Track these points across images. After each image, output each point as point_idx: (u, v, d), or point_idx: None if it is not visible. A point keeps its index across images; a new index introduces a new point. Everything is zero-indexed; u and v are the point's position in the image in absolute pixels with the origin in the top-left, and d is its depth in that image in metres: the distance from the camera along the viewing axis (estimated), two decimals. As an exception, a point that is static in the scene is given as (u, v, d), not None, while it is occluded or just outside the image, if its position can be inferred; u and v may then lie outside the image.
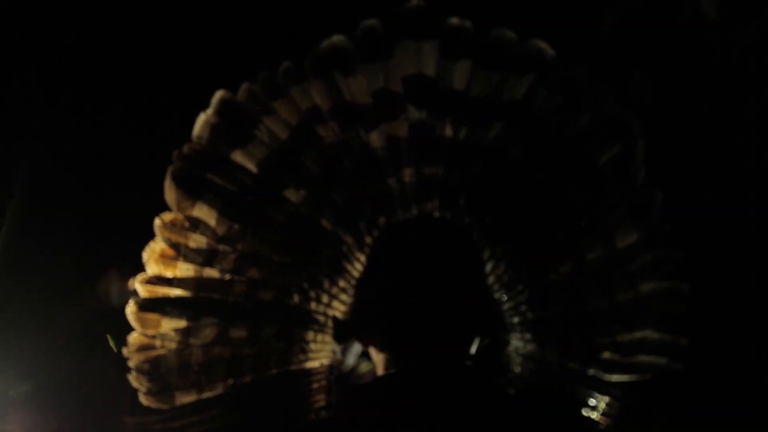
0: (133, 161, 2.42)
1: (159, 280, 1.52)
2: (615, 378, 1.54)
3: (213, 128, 1.47)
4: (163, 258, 1.52)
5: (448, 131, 1.47)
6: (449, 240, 1.48)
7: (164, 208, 1.52)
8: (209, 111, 1.48)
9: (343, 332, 1.57)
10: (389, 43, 1.41)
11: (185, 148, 1.48)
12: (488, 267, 1.55)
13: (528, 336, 1.57)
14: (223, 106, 1.47)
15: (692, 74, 1.85)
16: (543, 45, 1.41)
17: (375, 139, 1.48)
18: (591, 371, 1.54)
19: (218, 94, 1.47)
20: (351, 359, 1.62)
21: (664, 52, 1.79)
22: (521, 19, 1.46)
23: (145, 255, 1.52)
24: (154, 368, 1.54)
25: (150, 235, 1.53)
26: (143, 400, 1.54)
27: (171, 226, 1.51)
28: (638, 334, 1.53)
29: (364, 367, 1.61)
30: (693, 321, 1.50)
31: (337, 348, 1.61)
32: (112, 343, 2.07)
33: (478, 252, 1.52)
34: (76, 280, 2.42)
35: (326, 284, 1.58)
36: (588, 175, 1.48)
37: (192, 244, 1.52)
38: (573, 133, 1.46)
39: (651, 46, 1.76)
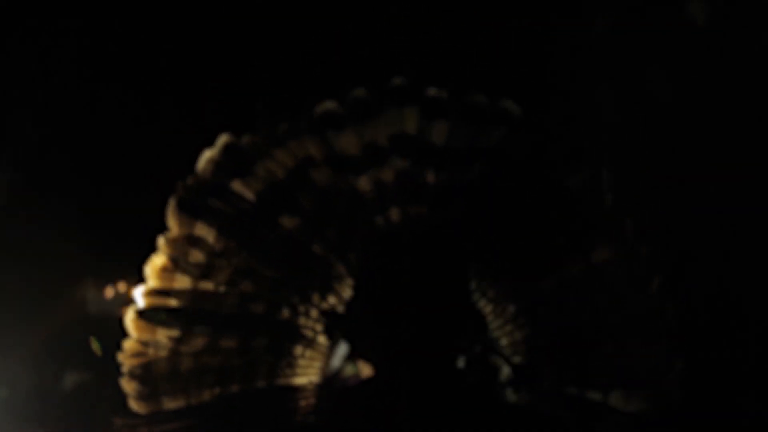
0: (109, 169, 2.45)
1: (158, 292, 1.60)
2: (614, 401, 1.60)
3: (215, 164, 1.61)
4: (163, 271, 1.60)
5: (431, 176, 1.62)
6: (436, 255, 1.60)
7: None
8: (213, 150, 1.61)
9: (334, 327, 1.65)
10: (375, 108, 1.59)
11: (189, 180, 1.61)
12: (473, 284, 1.65)
13: (518, 360, 1.65)
14: (227, 148, 1.61)
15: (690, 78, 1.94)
16: (509, 104, 1.59)
17: (363, 183, 1.62)
18: (587, 394, 1.61)
19: (223, 138, 1.61)
20: (336, 361, 1.68)
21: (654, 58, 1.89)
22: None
23: (147, 268, 1.60)
24: (145, 373, 1.59)
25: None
26: (132, 404, 1.60)
27: (173, 242, 1.60)
28: (632, 355, 1.60)
29: (349, 370, 1.67)
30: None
31: (327, 365, 1.67)
32: (96, 347, 2.10)
33: (462, 268, 1.63)
34: (52, 287, 2.44)
35: (316, 299, 1.66)
36: (560, 198, 1.62)
37: (190, 259, 1.61)
38: (544, 165, 1.61)
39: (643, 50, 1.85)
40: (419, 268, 1.57)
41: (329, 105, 1.58)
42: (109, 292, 2.35)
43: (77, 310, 2.45)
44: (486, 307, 1.65)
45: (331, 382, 1.66)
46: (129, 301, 2.14)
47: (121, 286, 2.36)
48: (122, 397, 1.61)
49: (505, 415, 1.56)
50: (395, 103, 1.56)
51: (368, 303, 1.59)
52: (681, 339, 1.58)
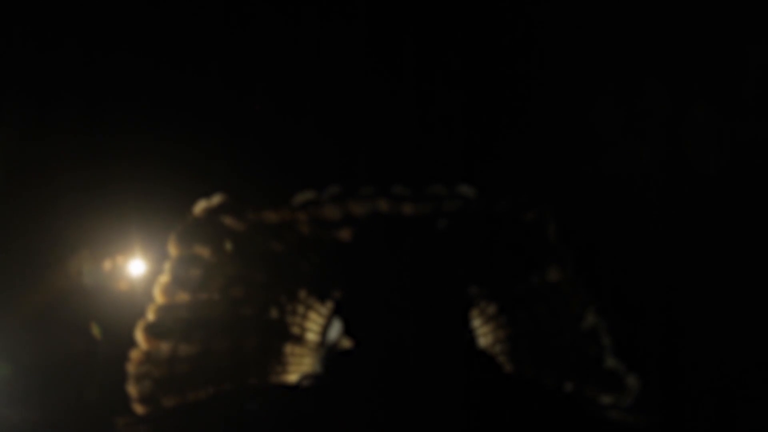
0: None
1: (164, 308, 1.75)
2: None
3: (211, 211, 1.77)
4: (167, 288, 1.75)
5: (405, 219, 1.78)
6: (420, 247, 1.77)
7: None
8: (210, 202, 1.77)
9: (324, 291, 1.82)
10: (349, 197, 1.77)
11: (187, 219, 1.76)
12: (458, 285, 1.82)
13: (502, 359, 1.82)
14: (221, 204, 1.77)
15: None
16: (465, 189, 1.77)
17: (344, 234, 1.78)
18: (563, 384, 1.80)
19: (219, 197, 1.78)
20: (333, 334, 1.83)
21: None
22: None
23: (155, 288, 1.75)
24: (147, 378, 1.74)
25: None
26: (135, 407, 1.74)
27: (175, 263, 1.75)
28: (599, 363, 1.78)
29: (344, 343, 1.80)
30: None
31: (316, 363, 1.82)
32: (96, 331, 2.22)
33: (446, 258, 1.79)
34: (47, 259, 2.52)
35: (302, 295, 1.81)
36: (517, 231, 1.80)
37: (189, 275, 1.76)
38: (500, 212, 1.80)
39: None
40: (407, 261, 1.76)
41: (309, 195, 1.75)
42: (107, 265, 2.44)
43: (72, 282, 2.52)
44: (472, 305, 1.82)
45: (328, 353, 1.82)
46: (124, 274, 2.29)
47: (119, 260, 2.44)
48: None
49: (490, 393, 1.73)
50: (366, 197, 1.75)
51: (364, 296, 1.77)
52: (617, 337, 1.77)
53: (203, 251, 1.75)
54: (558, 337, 1.79)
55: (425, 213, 1.74)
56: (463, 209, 1.74)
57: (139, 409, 1.74)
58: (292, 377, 1.81)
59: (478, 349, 1.81)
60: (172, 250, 1.74)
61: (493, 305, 1.82)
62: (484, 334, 1.82)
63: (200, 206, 1.76)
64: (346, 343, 1.79)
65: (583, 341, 1.78)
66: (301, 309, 1.81)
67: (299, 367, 1.82)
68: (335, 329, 1.82)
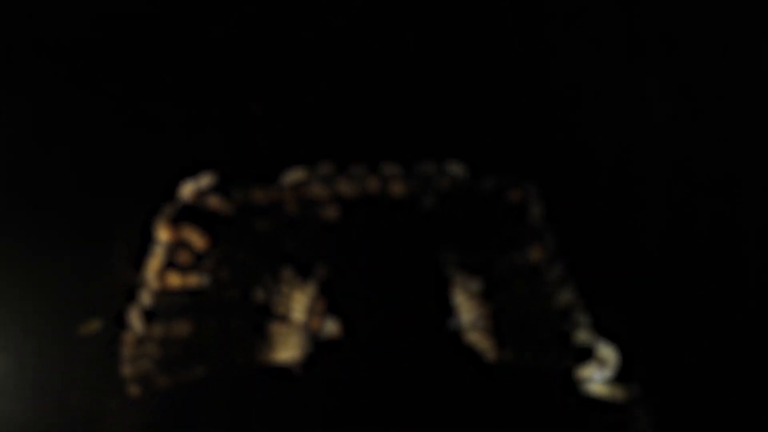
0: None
1: (157, 292, 1.82)
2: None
3: (198, 193, 1.86)
4: (159, 272, 1.83)
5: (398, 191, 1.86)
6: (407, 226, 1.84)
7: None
8: (197, 183, 1.86)
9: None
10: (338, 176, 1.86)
11: (175, 203, 1.84)
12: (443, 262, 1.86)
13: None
14: (210, 185, 1.86)
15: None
16: (455, 167, 1.84)
17: (331, 213, 1.85)
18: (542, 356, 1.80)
19: (207, 178, 1.85)
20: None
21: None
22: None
23: (148, 272, 1.82)
24: (141, 360, 1.82)
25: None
26: (130, 388, 1.81)
27: (166, 246, 1.83)
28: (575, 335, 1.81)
29: (330, 327, 1.85)
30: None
31: (305, 341, 1.88)
32: (95, 326, 2.24)
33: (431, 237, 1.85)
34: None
35: (287, 275, 1.86)
36: (501, 211, 1.87)
37: (180, 259, 1.83)
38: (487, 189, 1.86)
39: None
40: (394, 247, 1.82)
41: (298, 174, 1.82)
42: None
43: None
44: (455, 283, 1.86)
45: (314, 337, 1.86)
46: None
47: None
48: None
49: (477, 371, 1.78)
50: (355, 178, 1.83)
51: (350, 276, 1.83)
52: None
53: (193, 235, 1.81)
54: (537, 314, 1.82)
55: (413, 192, 1.79)
56: (451, 188, 1.79)
57: (134, 390, 1.81)
58: (279, 355, 1.86)
59: (459, 334, 1.83)
60: (162, 234, 1.80)
61: (476, 282, 1.84)
62: (466, 310, 1.84)
63: (188, 188, 1.79)
64: (331, 327, 1.84)
65: (561, 318, 1.80)
66: (285, 289, 1.86)
67: (285, 345, 1.86)
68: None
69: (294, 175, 1.79)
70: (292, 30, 2.21)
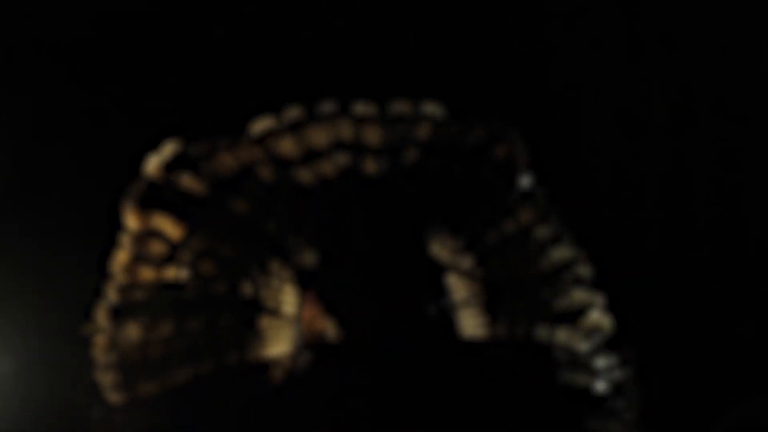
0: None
1: (126, 287, 1.67)
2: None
3: (164, 166, 1.68)
4: (128, 265, 1.67)
5: (371, 166, 1.71)
6: (391, 216, 1.71)
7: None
8: (160, 154, 1.68)
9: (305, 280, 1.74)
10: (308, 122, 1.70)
11: (140, 181, 1.67)
12: (431, 242, 1.73)
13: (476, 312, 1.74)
14: (175, 153, 1.68)
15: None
16: (431, 107, 1.70)
17: (305, 175, 1.70)
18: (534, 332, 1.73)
19: (171, 145, 1.68)
20: None
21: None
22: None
23: (114, 266, 1.67)
24: (118, 364, 1.68)
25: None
26: (109, 395, 1.68)
27: (134, 237, 1.67)
28: (567, 298, 1.72)
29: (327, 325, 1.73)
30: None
31: (296, 335, 1.75)
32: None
33: (417, 227, 1.73)
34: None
35: (275, 268, 1.72)
36: (487, 171, 1.74)
37: (151, 250, 1.68)
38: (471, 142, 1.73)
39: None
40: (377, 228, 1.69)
41: (263, 123, 1.68)
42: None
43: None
44: (444, 261, 1.73)
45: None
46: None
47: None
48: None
49: (471, 363, 1.67)
50: (327, 119, 1.68)
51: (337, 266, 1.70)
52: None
53: (164, 223, 1.67)
54: (530, 281, 1.73)
55: (392, 142, 1.67)
56: (433, 140, 1.67)
57: (113, 397, 1.68)
58: (271, 351, 1.75)
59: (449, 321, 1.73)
60: (130, 221, 1.67)
61: (467, 259, 1.74)
62: (458, 289, 1.74)
63: (152, 163, 1.68)
64: (329, 327, 1.72)
65: (556, 279, 1.72)
66: (275, 282, 1.73)
67: (277, 340, 1.76)
68: None
69: (261, 125, 1.67)
70: (291, 30, 2.20)
